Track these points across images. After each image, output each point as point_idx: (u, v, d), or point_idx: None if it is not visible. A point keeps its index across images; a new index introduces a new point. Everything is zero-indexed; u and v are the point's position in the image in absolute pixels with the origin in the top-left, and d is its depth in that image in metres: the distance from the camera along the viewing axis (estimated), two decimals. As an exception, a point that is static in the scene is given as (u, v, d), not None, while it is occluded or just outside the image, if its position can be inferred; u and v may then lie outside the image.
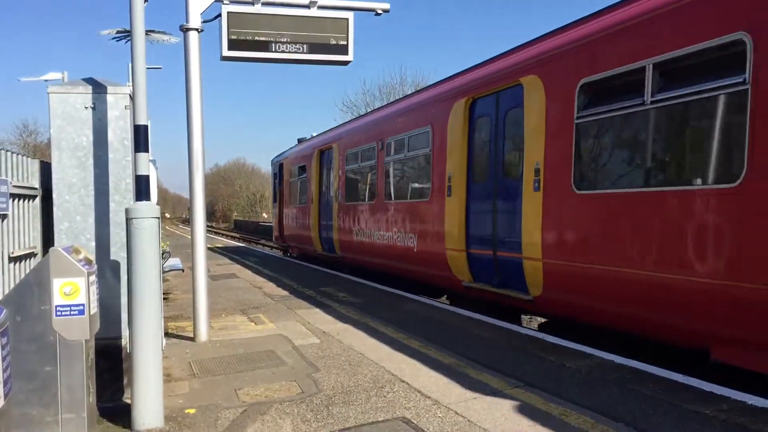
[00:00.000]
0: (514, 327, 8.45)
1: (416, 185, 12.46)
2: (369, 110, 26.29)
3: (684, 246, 6.25)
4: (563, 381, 5.92)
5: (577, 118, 7.79)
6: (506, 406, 5.21)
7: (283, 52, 8.15)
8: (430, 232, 11.54)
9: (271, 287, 13.39)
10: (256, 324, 9.06)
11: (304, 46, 8.22)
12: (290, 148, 23.94)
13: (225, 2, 7.94)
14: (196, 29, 7.82)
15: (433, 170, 11.51)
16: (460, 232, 10.52)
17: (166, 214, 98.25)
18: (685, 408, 5.04)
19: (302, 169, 20.87)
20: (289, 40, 8.15)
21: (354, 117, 18.56)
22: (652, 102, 6.71)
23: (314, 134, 21.17)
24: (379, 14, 8.73)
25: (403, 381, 6.01)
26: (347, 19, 8.37)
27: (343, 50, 8.42)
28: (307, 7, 8.23)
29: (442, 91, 11.65)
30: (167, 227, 65.80)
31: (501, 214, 9.54)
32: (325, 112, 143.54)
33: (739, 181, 5.74)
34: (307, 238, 20.01)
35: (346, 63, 8.58)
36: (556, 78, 8.21)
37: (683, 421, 4.78)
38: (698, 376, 5.92)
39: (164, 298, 11.64)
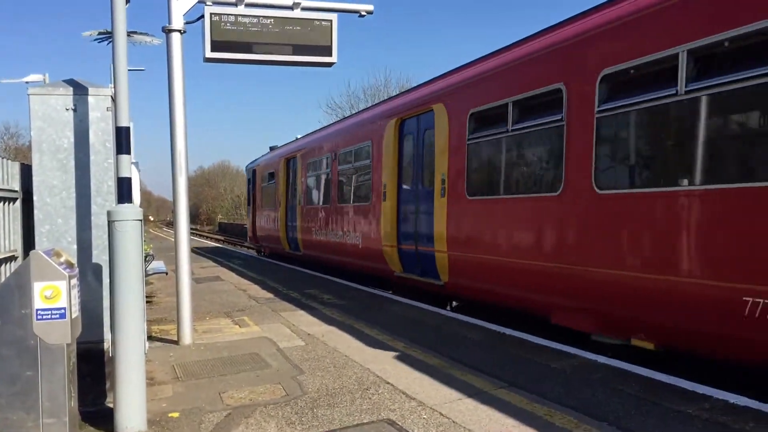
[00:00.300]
0: (499, 328, 8.47)
1: (361, 191, 14.44)
2: (353, 112, 27.38)
3: (530, 238, 8.33)
4: (548, 381, 5.94)
5: (468, 139, 9.84)
6: (491, 406, 5.22)
7: (266, 53, 8.12)
8: (371, 232, 13.49)
9: (255, 289, 13.35)
10: (240, 327, 9.02)
11: (288, 47, 8.20)
12: (262, 156, 26.07)
13: (208, 3, 7.91)
14: (179, 31, 7.78)
15: (373, 178, 13.45)
16: (392, 231, 12.47)
17: (150, 217, 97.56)
18: (667, 407, 5.08)
19: (272, 176, 22.90)
20: (272, 41, 8.13)
21: (314, 131, 20.53)
22: (512, 130, 8.80)
23: (296, 139, 22.35)
24: (363, 16, 8.73)
25: (388, 382, 6.01)
26: (331, 21, 8.35)
27: (327, 52, 8.40)
28: (291, 8, 8.21)
29: (380, 111, 13.84)
30: (151, 230, 65.42)
31: (421, 215, 11.48)
32: (310, 113, 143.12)
33: (559, 191, 7.82)
34: (276, 238, 22.11)
35: (330, 64, 8.56)
36: (455, 107, 10.22)
37: (666, 419, 4.81)
38: (680, 375, 5.95)
39: (148, 302, 11.57)
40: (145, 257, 12.19)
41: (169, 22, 7.76)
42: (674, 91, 6.17)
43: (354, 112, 27.66)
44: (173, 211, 8.15)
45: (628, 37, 6.82)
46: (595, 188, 7.21)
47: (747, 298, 5.33)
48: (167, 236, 45.43)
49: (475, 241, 9.56)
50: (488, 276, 9.28)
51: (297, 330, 8.68)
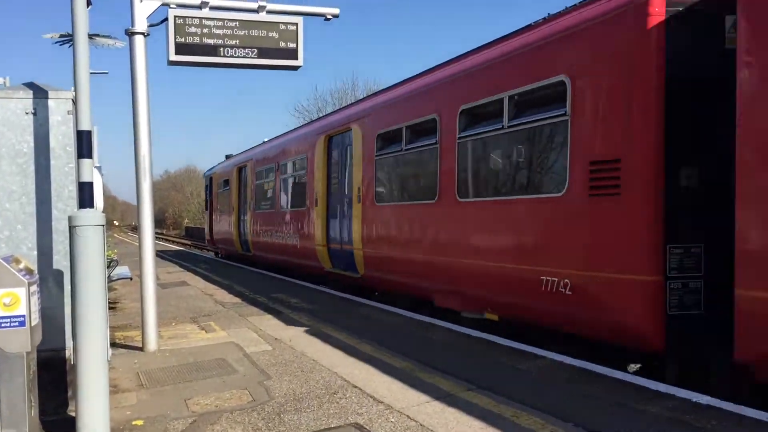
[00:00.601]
0: (467, 330, 8.51)
1: (299, 198, 16.27)
2: (321, 115, 28.17)
3: (417, 237, 10.17)
4: (515, 382, 5.98)
5: (376, 155, 11.59)
6: (459, 409, 5.23)
7: (232, 56, 8.06)
8: (306, 233, 15.27)
9: (222, 294, 13.24)
10: (207, 332, 8.94)
11: (254, 50, 8.15)
12: (219, 164, 27.73)
13: (172, 6, 7.82)
14: (142, 33, 7.69)
15: (308, 186, 15.29)
16: (323, 233, 14.24)
17: (115, 222, 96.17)
18: (632, 406, 5.14)
19: (226, 182, 24.63)
20: (238, 44, 8.07)
21: (266, 139, 22.15)
22: (405, 150, 10.62)
23: (248, 149, 23.87)
24: (329, 19, 8.74)
25: (356, 386, 5.99)
26: (297, 24, 8.33)
27: (293, 55, 8.37)
28: (256, 11, 8.17)
29: (314, 128, 15.93)
30: (116, 235, 64.47)
31: (344, 219, 13.17)
32: (279, 116, 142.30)
33: (435, 199, 9.59)
34: (230, 240, 23.83)
35: (296, 68, 8.53)
36: (367, 128, 12.08)
37: (631, 419, 4.87)
38: (645, 375, 6.05)
39: (112, 308, 11.41)
40: (109, 263, 12.01)
41: (132, 25, 7.66)
42: (501, 125, 8.12)
43: (321, 115, 28.27)
44: (137, 216, 8.04)
45: (475, 83, 8.81)
46: (457, 197, 9.03)
47: (542, 278, 7.22)
48: (133, 241, 44.82)
49: (381, 239, 11.41)
50: (391, 268, 11.17)
51: (264, 335, 8.63)
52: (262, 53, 8.19)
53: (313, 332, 8.70)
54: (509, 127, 7.95)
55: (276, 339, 8.31)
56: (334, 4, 8.66)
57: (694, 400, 5.21)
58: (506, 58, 8.25)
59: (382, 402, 5.49)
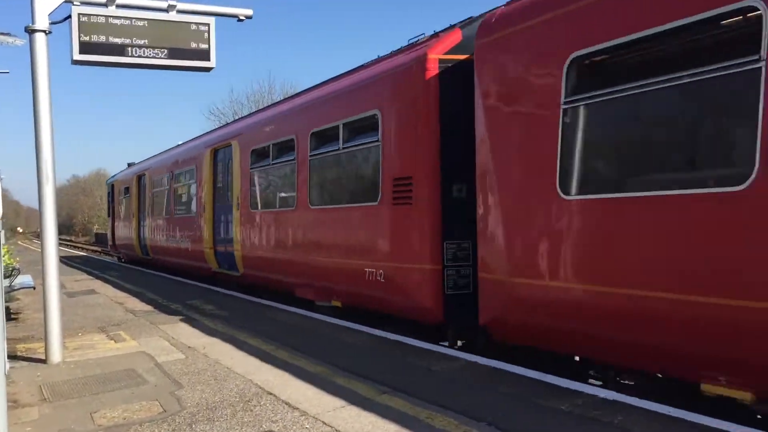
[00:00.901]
0: (383, 333, 8.54)
1: (189, 205, 17.74)
2: (236, 118, 28.40)
3: (281, 239, 11.68)
4: (430, 384, 6.03)
5: (251, 168, 13.17)
6: (374, 412, 5.22)
7: (140, 57, 7.81)
8: (197, 237, 16.62)
9: (133, 302, 12.82)
10: (116, 342, 8.62)
11: (164, 51, 7.92)
12: (120, 171, 29.12)
13: (75, 3, 7.51)
14: (44, 31, 7.35)
15: (197, 194, 16.73)
16: (210, 236, 15.67)
17: (19, 229, 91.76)
18: (543, 405, 5.26)
19: (127, 190, 25.98)
20: (147, 44, 7.83)
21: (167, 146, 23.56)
22: (272, 164, 12.26)
23: (145, 159, 25.22)
24: (242, 20, 8.60)
25: (271, 393, 5.90)
26: (209, 24, 8.15)
27: (205, 56, 8.18)
28: (166, 11, 7.95)
29: (202, 141, 17.43)
30: (20, 242, 61.64)
31: (228, 224, 14.58)
32: (193, 119, 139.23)
33: (294, 207, 11.18)
34: (131, 245, 25.05)
35: (208, 69, 8.36)
36: (243, 144, 13.64)
37: (542, 417, 4.98)
38: (555, 373, 6.21)
39: (14, 318, 10.88)
40: (11, 271, 11.44)
41: (33, 22, 7.32)
42: (338, 147, 9.85)
43: (236, 118, 28.48)
44: (40, 222, 7.67)
45: (321, 111, 10.55)
46: (309, 205, 10.65)
47: (366, 269, 8.85)
48: (38, 248, 42.89)
49: (255, 242, 12.93)
50: (263, 267, 12.74)
51: (177, 343, 8.39)
52: (173, 54, 7.97)
53: (227, 339, 8.52)
54: (344, 148, 9.77)
55: (189, 347, 8.10)
56: (250, 5, 8.54)
57: (600, 396, 5.39)
58: (341, 93, 10.18)
59: (297, 408, 5.42)
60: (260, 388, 6.11)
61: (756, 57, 4.54)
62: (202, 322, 10.02)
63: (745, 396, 4.67)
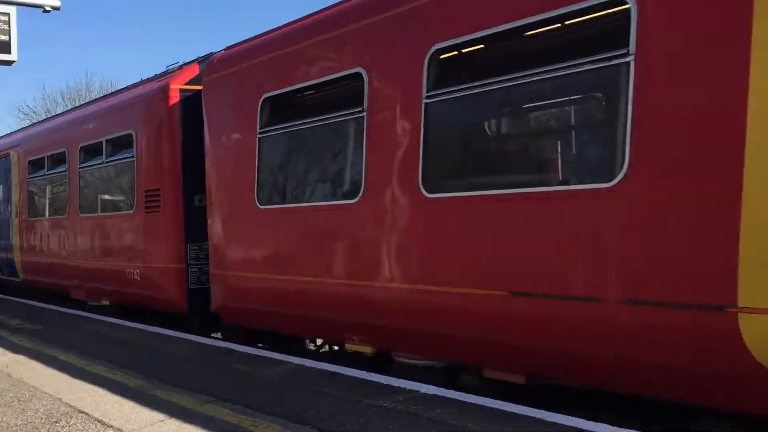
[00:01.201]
0: (207, 340, 8.34)
1: None
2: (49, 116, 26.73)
3: (53, 245, 12.65)
4: (255, 391, 5.92)
5: (28, 178, 13.88)
6: (195, 424, 5.02)
7: (-76, 46, 7.03)
8: None
9: None
10: None
11: (-46, 41, 7.19)
12: None
13: None
14: None
15: None
16: None
17: None
18: (367, 403, 5.33)
19: None
20: (-69, 33, 7.06)
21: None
22: (47, 174, 13.05)
23: None
24: (48, 11, 8.02)
25: (83, 412, 5.51)
26: (9, 14, 7.52)
27: (5, 48, 7.55)
28: (-43, -3, 7.21)
29: None
30: None
31: (8, 231, 15.17)
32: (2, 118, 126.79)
33: (66, 215, 12.02)
34: None
35: (9, 63, 7.73)
36: (22, 155, 14.32)
37: (366, 415, 5.04)
38: (378, 371, 6.34)
39: None
40: None
41: None
42: (101, 161, 11.01)
43: (50, 116, 26.51)
44: None
45: (89, 126, 11.53)
46: (80, 212, 11.54)
47: (127, 270, 10.03)
48: None
49: (33, 249, 13.72)
50: (40, 272, 13.60)
51: (-27, 364, 7.63)
52: (-34, 45, 7.26)
53: (35, 355, 7.88)
54: (107, 162, 10.88)
55: (-11, 367, 7.39)
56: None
57: (421, 391, 5.55)
58: (105, 112, 11.25)
59: (111, 426, 5.11)
60: (71, 406, 5.69)
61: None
62: (7, 338, 9.19)
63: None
